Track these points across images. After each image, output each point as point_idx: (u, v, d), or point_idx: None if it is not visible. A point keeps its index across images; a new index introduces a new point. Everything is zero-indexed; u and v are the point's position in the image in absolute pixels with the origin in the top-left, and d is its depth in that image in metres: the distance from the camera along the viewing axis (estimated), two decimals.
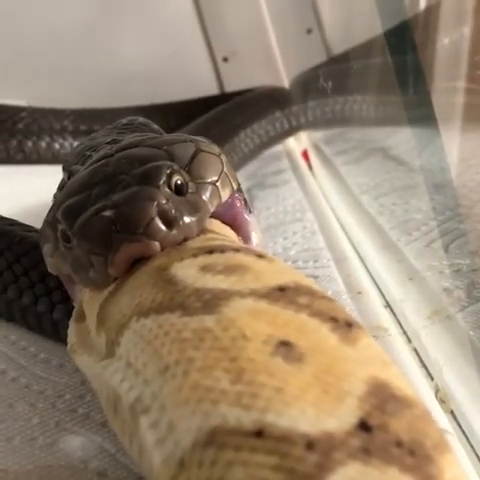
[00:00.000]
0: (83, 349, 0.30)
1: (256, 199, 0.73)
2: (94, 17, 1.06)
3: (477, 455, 0.34)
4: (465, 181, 0.56)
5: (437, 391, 0.39)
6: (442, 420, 0.36)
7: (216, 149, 0.36)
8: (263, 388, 0.20)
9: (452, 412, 0.38)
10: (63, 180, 0.40)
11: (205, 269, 0.26)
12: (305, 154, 0.92)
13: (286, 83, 1.07)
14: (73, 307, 0.35)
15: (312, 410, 0.19)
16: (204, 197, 0.33)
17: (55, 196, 0.37)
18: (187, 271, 0.27)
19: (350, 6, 0.86)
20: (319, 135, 0.94)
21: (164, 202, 0.30)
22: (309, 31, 1.04)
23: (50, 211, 0.34)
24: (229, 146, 0.81)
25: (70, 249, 0.32)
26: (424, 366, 0.42)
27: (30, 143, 0.90)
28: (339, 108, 0.87)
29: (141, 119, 0.47)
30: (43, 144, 0.91)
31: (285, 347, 0.22)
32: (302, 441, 0.19)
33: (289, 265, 0.29)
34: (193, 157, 0.34)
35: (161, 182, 0.31)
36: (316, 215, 0.68)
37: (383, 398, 0.21)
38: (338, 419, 0.19)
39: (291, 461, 0.18)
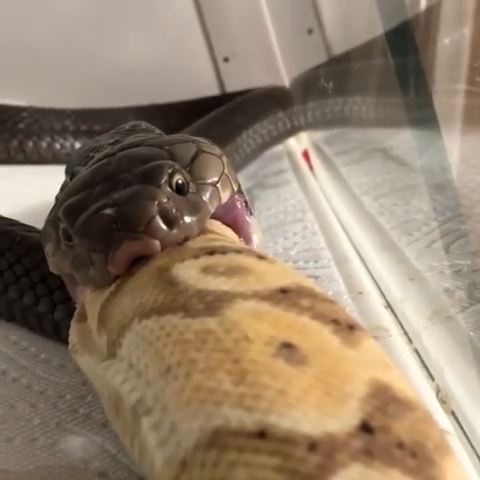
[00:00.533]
0: (84, 349, 0.30)
1: (257, 199, 0.73)
2: (95, 17, 1.06)
3: (478, 456, 0.34)
4: (466, 181, 0.56)
5: (438, 392, 0.39)
6: (443, 421, 0.36)
7: (217, 150, 0.36)
8: (266, 390, 0.20)
9: (453, 413, 0.38)
10: (65, 182, 0.40)
11: (206, 270, 0.26)
12: (306, 154, 0.92)
13: (287, 83, 1.07)
14: (74, 308, 0.35)
15: (314, 412, 0.19)
16: (204, 198, 0.33)
17: (57, 197, 0.37)
18: (188, 272, 0.26)
19: (351, 6, 0.86)
20: (320, 135, 0.94)
21: (165, 201, 0.30)
22: (310, 31, 1.04)
23: (52, 210, 0.34)
24: (231, 147, 0.81)
25: (71, 247, 0.32)
26: (425, 367, 0.42)
27: (31, 143, 0.90)
28: (340, 108, 0.87)
29: (144, 124, 0.47)
30: (44, 144, 0.91)
31: (287, 349, 0.22)
32: (304, 442, 0.19)
33: (290, 266, 0.29)
34: (194, 158, 0.34)
35: (162, 181, 0.31)
36: (317, 215, 0.68)
37: (385, 400, 0.21)
38: (340, 421, 0.19)
39: (293, 462, 0.18)
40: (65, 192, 0.34)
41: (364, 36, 0.77)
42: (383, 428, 0.20)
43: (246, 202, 0.36)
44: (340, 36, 1.00)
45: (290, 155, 0.93)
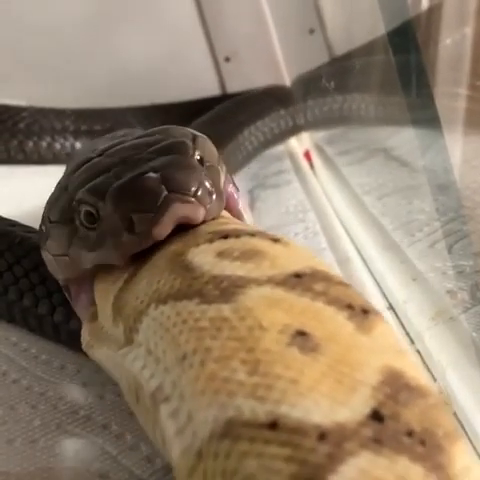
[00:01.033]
0: (100, 343, 0.30)
1: (258, 200, 0.73)
2: (95, 17, 1.06)
3: None
4: (468, 182, 0.56)
5: (440, 393, 0.39)
6: None
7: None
8: (278, 380, 0.20)
9: (455, 414, 0.38)
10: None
11: (221, 255, 0.26)
12: (307, 154, 0.92)
13: (288, 83, 1.07)
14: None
15: (326, 401, 0.20)
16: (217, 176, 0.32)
17: (48, 202, 0.36)
18: (204, 257, 0.26)
19: (352, 6, 0.86)
20: (321, 135, 0.94)
21: (202, 173, 0.30)
22: (311, 31, 1.04)
23: (52, 214, 0.34)
24: (231, 145, 0.81)
25: (93, 230, 0.30)
26: (427, 368, 0.42)
27: (31, 143, 0.90)
28: (341, 108, 0.87)
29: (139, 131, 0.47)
30: (44, 144, 0.91)
31: (301, 337, 0.22)
32: (314, 432, 0.19)
33: (304, 248, 0.29)
34: (193, 140, 0.33)
35: (191, 153, 0.31)
36: (318, 216, 0.67)
37: (397, 388, 0.21)
38: (351, 409, 0.20)
39: (303, 452, 0.18)
40: (71, 189, 0.32)
41: (366, 36, 0.77)
42: (393, 416, 0.20)
43: (232, 179, 0.36)
44: (342, 36, 1.00)
45: (291, 155, 0.93)
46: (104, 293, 0.31)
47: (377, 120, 0.83)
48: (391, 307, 0.49)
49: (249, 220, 0.35)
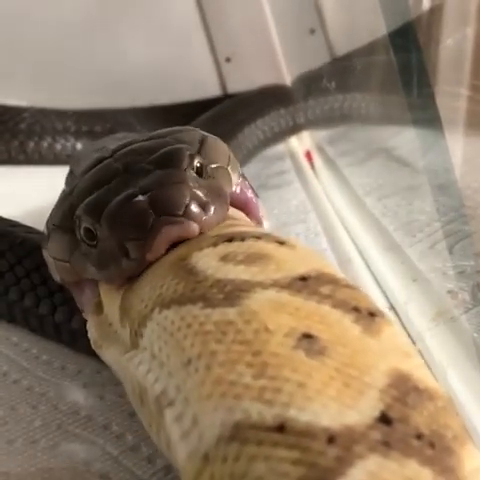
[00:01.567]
0: (108, 343, 0.30)
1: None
2: (96, 17, 1.06)
3: None
4: (469, 182, 0.56)
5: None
6: None
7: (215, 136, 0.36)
8: (285, 383, 0.20)
9: (456, 414, 0.37)
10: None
11: (225, 258, 0.26)
12: (308, 155, 0.92)
13: (289, 84, 1.07)
14: (75, 308, 0.35)
15: (334, 404, 0.20)
16: (221, 181, 0.32)
17: (57, 205, 0.36)
18: (207, 261, 0.26)
19: (353, 6, 0.86)
20: (322, 136, 0.94)
21: (196, 185, 0.30)
22: (312, 31, 1.04)
23: (54, 217, 0.34)
24: (231, 144, 0.81)
25: (94, 246, 0.31)
26: (428, 368, 0.42)
27: (32, 144, 0.90)
28: (341, 108, 0.87)
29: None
30: (45, 145, 0.91)
31: (308, 340, 0.22)
32: (323, 435, 0.19)
33: (311, 250, 0.29)
34: (201, 142, 0.33)
35: (186, 164, 0.30)
36: (319, 216, 0.67)
37: (404, 390, 0.21)
38: (359, 412, 0.20)
39: (312, 455, 0.18)
40: (75, 195, 0.32)
41: (367, 36, 0.77)
42: (402, 419, 0.20)
43: (250, 185, 0.36)
44: (342, 36, 1.00)
45: (292, 156, 0.93)
46: (110, 290, 0.31)
47: (378, 120, 0.83)
48: (392, 307, 0.49)
49: (268, 227, 0.35)
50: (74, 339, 0.42)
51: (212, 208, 0.29)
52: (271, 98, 0.97)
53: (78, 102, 0.96)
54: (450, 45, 0.63)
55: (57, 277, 0.35)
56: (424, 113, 0.55)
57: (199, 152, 0.32)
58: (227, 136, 0.80)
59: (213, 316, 0.23)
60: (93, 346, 0.31)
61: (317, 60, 0.99)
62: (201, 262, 0.26)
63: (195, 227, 0.28)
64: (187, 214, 0.28)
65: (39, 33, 1.02)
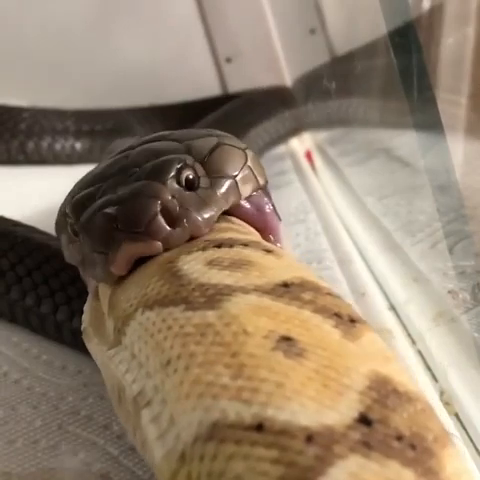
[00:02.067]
0: (95, 332, 0.30)
1: None
2: (97, 17, 1.06)
3: None
4: (470, 182, 0.56)
5: (442, 393, 0.39)
6: (447, 423, 0.36)
7: (241, 144, 0.35)
8: (263, 383, 0.20)
9: (457, 415, 0.38)
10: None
11: (211, 263, 0.26)
12: (308, 155, 0.92)
13: (289, 84, 1.07)
14: (77, 308, 0.35)
15: (312, 404, 0.20)
16: (218, 192, 0.32)
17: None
18: (193, 265, 0.26)
19: (354, 6, 0.86)
20: (323, 136, 0.94)
21: (169, 199, 0.29)
22: (312, 31, 1.04)
23: (64, 201, 0.34)
24: None
25: (77, 242, 0.31)
26: (428, 368, 0.42)
27: (32, 144, 0.90)
28: (341, 108, 0.87)
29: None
30: (45, 145, 0.91)
31: (287, 342, 0.22)
32: (302, 434, 0.19)
33: (297, 260, 0.29)
34: (212, 150, 0.33)
35: (169, 177, 0.30)
36: (320, 216, 0.67)
37: (384, 393, 0.21)
38: (338, 413, 0.20)
39: (291, 454, 0.18)
40: (77, 184, 0.33)
41: (367, 36, 0.76)
42: (382, 420, 0.20)
43: (273, 206, 0.36)
44: (343, 36, 1.00)
45: (293, 156, 0.93)
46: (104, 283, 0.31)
47: (378, 121, 0.83)
48: (392, 308, 0.49)
49: (288, 249, 0.34)
50: (75, 338, 0.42)
51: (184, 222, 0.29)
52: (274, 100, 0.97)
53: (78, 102, 0.96)
54: (451, 45, 0.63)
55: (66, 255, 0.35)
56: (424, 113, 0.55)
57: (205, 160, 0.32)
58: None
59: (193, 319, 0.23)
60: (82, 329, 0.32)
61: (317, 60, 0.99)
62: (187, 266, 0.27)
63: (157, 245, 0.28)
64: (148, 231, 0.28)
65: (39, 33, 1.03)
